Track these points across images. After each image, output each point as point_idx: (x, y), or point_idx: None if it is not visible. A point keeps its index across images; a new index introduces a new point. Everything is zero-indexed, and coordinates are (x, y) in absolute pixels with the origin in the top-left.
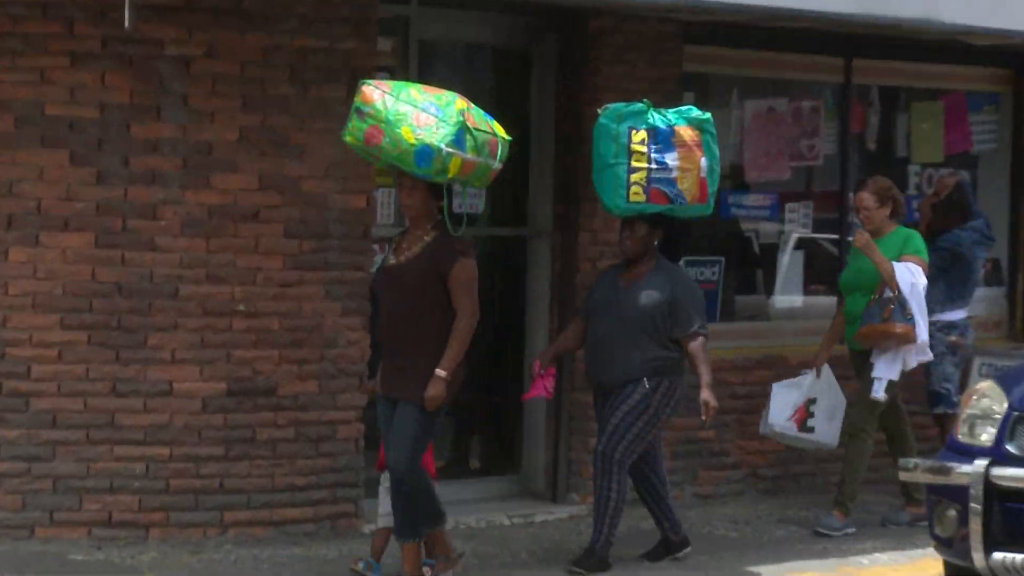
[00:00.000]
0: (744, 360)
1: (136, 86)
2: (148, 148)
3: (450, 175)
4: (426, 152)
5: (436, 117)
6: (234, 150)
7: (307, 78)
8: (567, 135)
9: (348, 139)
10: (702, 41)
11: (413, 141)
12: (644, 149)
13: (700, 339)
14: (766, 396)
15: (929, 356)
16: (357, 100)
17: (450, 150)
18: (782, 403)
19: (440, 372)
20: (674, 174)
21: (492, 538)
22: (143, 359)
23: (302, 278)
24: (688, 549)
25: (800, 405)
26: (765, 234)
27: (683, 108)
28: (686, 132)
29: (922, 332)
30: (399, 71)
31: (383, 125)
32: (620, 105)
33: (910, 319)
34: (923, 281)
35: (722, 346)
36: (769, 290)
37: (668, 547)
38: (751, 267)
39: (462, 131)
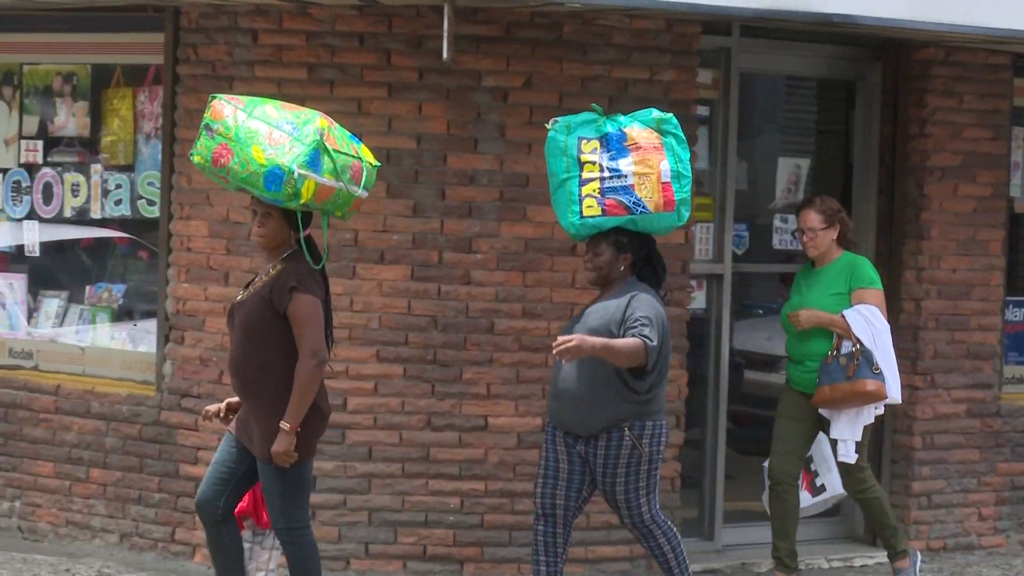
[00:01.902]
0: None
1: (453, 117)
2: (464, 180)
3: (303, 200)
4: (276, 174)
5: (290, 136)
6: None
7: (626, 109)
8: (891, 168)
9: (195, 159)
10: None
11: (263, 162)
12: (595, 158)
13: (639, 341)
14: None
15: (882, 408)
16: (207, 116)
17: (303, 172)
18: None
19: (283, 425)
20: (630, 180)
21: None
22: (458, 393)
23: None
24: None
25: (801, 472)
26: None
27: (641, 111)
28: (640, 134)
29: (892, 387)
30: (719, 103)
31: (232, 144)
32: (570, 116)
33: (879, 374)
34: (882, 324)
35: None
36: None
37: None
38: None
39: (318, 152)
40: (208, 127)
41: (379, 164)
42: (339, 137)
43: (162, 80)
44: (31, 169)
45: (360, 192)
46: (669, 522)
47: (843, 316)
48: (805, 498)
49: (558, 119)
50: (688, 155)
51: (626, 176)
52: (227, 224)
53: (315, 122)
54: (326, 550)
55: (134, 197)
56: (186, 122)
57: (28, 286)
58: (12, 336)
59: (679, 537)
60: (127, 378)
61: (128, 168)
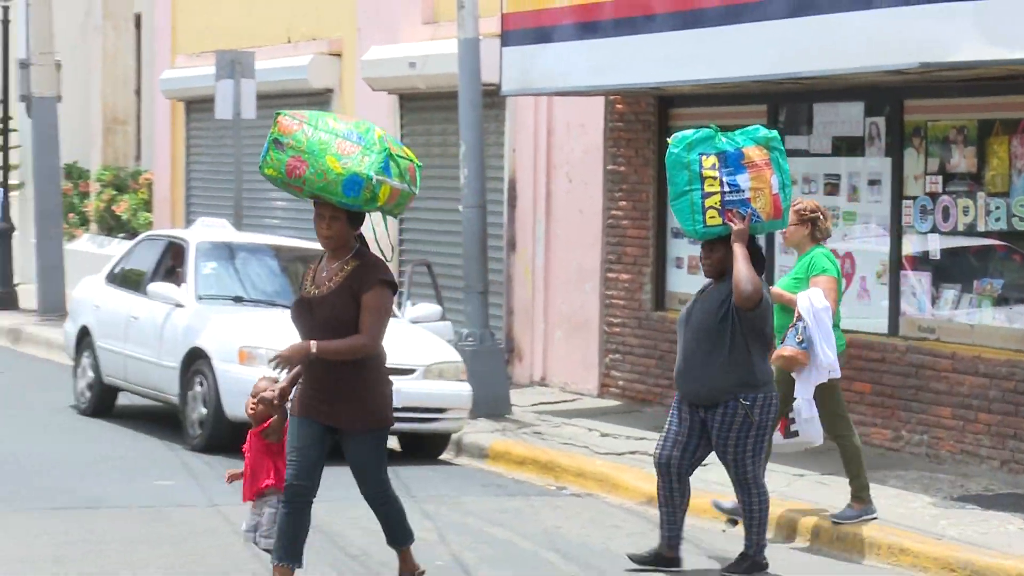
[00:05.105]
0: None
1: None
2: None
3: (380, 203)
4: (355, 181)
5: (359, 145)
6: None
7: None
8: None
9: (267, 172)
10: None
11: (340, 170)
12: (715, 173)
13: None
14: None
15: (826, 377)
16: (274, 131)
17: (380, 178)
18: None
19: (312, 346)
20: (747, 195)
21: None
22: None
23: None
24: (678, 569)
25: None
26: None
27: (749, 129)
28: (754, 152)
29: (820, 353)
30: None
31: (305, 155)
32: (688, 134)
33: (801, 344)
34: (821, 304)
35: None
36: None
37: (657, 560)
38: None
39: (388, 158)
40: (278, 142)
41: (422, 165)
42: (393, 142)
43: None
44: (933, 197)
45: (415, 191)
46: (766, 487)
47: (797, 296)
48: (776, 438)
49: (676, 135)
50: (788, 167)
51: (744, 191)
52: None
53: (374, 131)
54: None
55: (1009, 215)
56: None
57: (932, 280)
58: (919, 316)
59: (768, 504)
60: (1005, 347)
61: (1004, 194)
